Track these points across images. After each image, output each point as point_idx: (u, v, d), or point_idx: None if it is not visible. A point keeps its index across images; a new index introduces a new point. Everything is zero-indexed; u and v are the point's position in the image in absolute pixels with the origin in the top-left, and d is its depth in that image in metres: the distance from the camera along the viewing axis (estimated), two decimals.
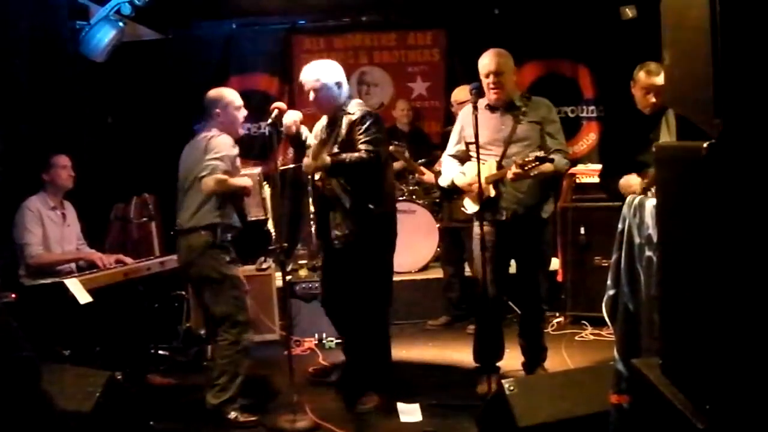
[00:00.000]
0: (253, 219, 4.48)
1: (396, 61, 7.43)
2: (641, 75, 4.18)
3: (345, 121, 4.27)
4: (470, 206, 4.48)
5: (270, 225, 5.30)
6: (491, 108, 4.40)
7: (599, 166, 6.10)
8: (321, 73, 4.34)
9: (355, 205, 4.25)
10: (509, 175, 4.18)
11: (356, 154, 4.18)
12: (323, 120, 4.52)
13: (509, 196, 4.33)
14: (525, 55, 7.20)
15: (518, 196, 4.34)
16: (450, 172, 4.59)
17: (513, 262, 4.59)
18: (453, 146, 4.63)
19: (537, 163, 4.07)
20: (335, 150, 4.24)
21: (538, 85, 7.19)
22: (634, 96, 4.28)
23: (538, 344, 4.63)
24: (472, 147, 4.43)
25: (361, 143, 4.20)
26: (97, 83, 6.06)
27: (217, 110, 4.29)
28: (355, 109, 4.31)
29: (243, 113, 4.40)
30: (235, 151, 4.26)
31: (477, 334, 4.64)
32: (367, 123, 4.23)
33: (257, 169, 4.89)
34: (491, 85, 4.32)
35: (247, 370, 4.28)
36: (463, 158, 4.58)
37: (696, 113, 2.10)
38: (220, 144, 4.16)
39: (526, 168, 4.09)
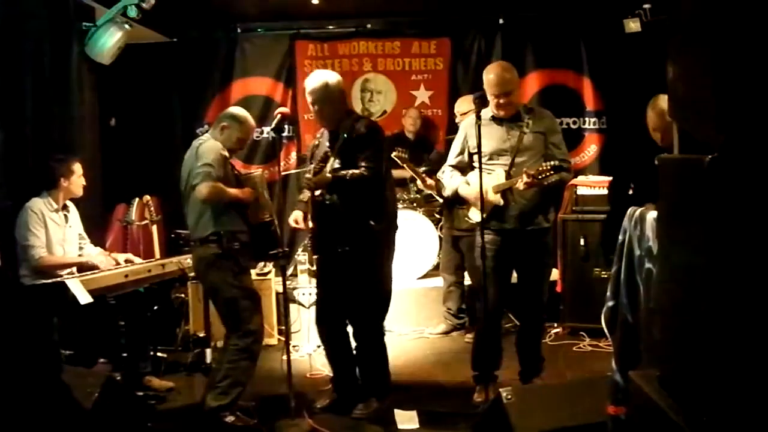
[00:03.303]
0: (259, 221, 4.46)
1: (400, 69, 7.42)
2: None
3: (349, 134, 4.23)
4: (476, 216, 4.46)
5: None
6: (496, 119, 4.39)
7: (600, 178, 6.16)
8: (324, 82, 4.31)
9: (356, 221, 4.25)
10: (519, 184, 4.19)
11: (357, 171, 4.18)
12: (324, 134, 4.49)
13: (516, 204, 4.34)
14: (528, 65, 7.23)
15: (525, 204, 4.34)
16: (453, 182, 4.59)
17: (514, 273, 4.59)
18: (454, 157, 4.62)
19: (552, 171, 4.10)
20: (336, 164, 4.21)
21: (541, 95, 7.20)
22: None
23: (537, 355, 4.62)
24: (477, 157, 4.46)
25: (362, 160, 4.20)
26: (101, 85, 6.08)
27: (226, 124, 4.34)
28: (361, 124, 4.29)
29: (245, 143, 4.56)
30: (225, 154, 4.26)
31: (476, 342, 4.65)
32: (371, 139, 4.25)
33: (259, 170, 4.87)
34: (501, 104, 4.30)
35: (250, 378, 4.29)
36: (464, 169, 4.58)
37: (698, 127, 2.12)
38: (210, 150, 4.18)
39: (540, 177, 4.11)
